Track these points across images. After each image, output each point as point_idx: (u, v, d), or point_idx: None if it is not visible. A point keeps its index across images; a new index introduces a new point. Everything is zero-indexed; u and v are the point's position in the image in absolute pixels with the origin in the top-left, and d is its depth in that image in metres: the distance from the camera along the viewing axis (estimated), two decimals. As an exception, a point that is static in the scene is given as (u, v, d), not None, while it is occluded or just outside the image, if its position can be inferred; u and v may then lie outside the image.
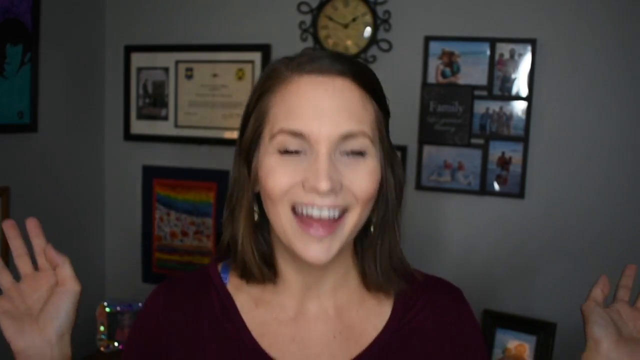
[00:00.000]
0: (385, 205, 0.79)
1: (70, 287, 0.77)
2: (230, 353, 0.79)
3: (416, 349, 0.82)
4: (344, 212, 0.73)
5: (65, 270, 0.76)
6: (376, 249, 0.81)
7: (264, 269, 0.80)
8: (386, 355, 0.81)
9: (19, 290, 0.77)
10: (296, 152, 0.71)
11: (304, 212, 0.72)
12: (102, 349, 2.07)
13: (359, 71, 0.74)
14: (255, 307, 0.82)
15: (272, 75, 0.75)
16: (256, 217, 0.79)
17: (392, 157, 0.79)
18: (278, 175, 0.71)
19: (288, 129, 0.71)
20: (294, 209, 0.72)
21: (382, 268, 0.81)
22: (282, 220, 0.73)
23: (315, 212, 0.71)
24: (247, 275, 0.81)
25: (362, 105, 0.73)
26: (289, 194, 0.71)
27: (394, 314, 0.84)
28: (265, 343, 0.80)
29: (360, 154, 0.73)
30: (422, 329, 0.84)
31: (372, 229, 0.80)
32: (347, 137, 0.71)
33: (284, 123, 0.71)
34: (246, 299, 0.83)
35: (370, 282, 0.82)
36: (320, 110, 0.70)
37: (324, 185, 0.68)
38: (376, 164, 0.74)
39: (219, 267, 0.86)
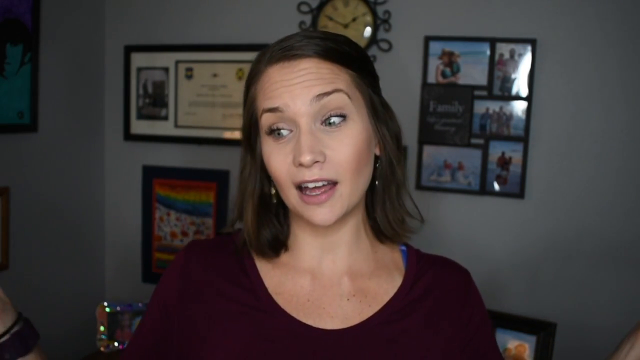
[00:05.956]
0: (388, 158, 0.86)
1: None
2: (246, 307, 0.85)
3: (425, 315, 0.87)
4: (334, 184, 0.78)
5: None
6: (385, 201, 0.88)
7: (266, 250, 0.88)
8: (397, 319, 0.85)
9: None
10: (283, 133, 0.79)
11: (302, 188, 0.79)
12: (102, 349, 2.07)
13: (323, 50, 0.79)
14: (272, 269, 0.89)
15: (253, 69, 0.85)
16: (274, 199, 0.88)
17: (385, 113, 0.86)
18: (274, 159, 0.80)
19: (267, 108, 0.80)
20: (296, 186, 0.80)
21: (392, 218, 0.89)
22: (290, 198, 0.81)
23: (309, 185, 0.78)
24: (253, 249, 0.89)
25: (333, 74, 0.79)
26: (289, 174, 0.79)
27: (405, 282, 0.89)
28: (281, 301, 0.85)
29: (341, 117, 0.78)
30: (431, 297, 0.89)
31: (377, 183, 0.87)
32: (321, 96, 0.77)
33: (263, 104, 0.80)
34: (264, 262, 0.89)
35: (383, 232, 0.90)
36: (291, 87, 0.78)
37: (305, 157, 0.75)
38: (359, 127, 0.80)
39: None
